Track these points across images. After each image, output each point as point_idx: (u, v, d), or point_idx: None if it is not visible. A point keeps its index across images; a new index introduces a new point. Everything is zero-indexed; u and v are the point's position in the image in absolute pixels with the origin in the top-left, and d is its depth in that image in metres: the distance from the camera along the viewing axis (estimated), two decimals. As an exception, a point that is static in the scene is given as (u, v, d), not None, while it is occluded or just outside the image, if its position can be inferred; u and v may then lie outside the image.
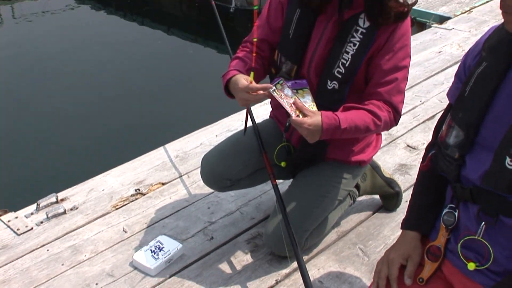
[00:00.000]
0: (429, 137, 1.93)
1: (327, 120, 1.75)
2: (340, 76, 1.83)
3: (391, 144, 3.02)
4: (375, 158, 2.51)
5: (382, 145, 2.95)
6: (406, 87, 1.95)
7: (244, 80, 1.83)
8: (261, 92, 1.78)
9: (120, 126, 5.04)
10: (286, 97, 1.78)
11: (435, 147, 1.52)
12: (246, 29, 8.09)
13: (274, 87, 1.80)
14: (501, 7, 1.21)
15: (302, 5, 1.88)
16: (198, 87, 5.88)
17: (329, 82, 1.85)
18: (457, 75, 1.49)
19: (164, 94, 5.71)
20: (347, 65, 1.82)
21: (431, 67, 4.07)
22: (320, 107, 1.82)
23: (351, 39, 1.81)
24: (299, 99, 1.80)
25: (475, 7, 5.54)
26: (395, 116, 1.89)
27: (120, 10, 8.49)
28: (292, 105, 1.76)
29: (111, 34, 7.51)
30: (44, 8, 8.53)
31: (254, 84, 1.81)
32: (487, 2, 5.59)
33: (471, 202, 1.39)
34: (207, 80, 6.04)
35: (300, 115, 1.75)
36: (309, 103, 1.80)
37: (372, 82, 1.86)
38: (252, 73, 1.87)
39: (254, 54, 1.90)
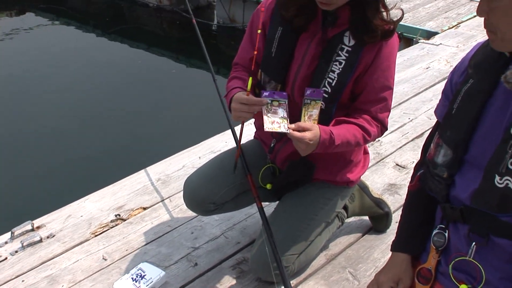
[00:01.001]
0: (418, 156, 1.96)
1: (324, 135, 1.79)
2: (326, 96, 1.86)
3: (379, 163, 3.05)
4: (363, 178, 2.53)
5: (370, 164, 2.99)
6: (394, 104, 2.00)
7: (243, 94, 1.85)
8: (261, 100, 1.80)
9: (99, 149, 5.03)
10: (276, 115, 1.80)
11: (424, 166, 1.54)
12: (229, 46, 8.18)
13: (269, 101, 1.82)
14: (485, 26, 1.24)
15: (284, 23, 1.91)
16: (180, 107, 5.91)
17: (315, 101, 1.89)
18: (444, 92, 1.51)
19: (145, 115, 5.72)
20: (333, 84, 1.85)
21: (419, 83, 4.13)
22: None
23: (337, 58, 1.84)
24: (307, 111, 1.84)
25: (462, 21, 5.64)
26: (382, 130, 1.97)
27: (98, 28, 8.51)
28: (284, 120, 1.77)
29: (89, 53, 7.51)
30: (18, 26, 8.53)
31: (252, 97, 1.83)
32: (475, 16, 5.68)
33: (461, 222, 1.40)
34: (190, 100, 6.07)
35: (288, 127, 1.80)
36: (314, 116, 1.84)
37: (360, 99, 1.90)
38: (250, 79, 1.88)
39: (255, 52, 1.91)
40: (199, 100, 5.92)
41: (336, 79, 1.84)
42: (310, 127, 1.77)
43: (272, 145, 2.06)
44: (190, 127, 5.34)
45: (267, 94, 1.83)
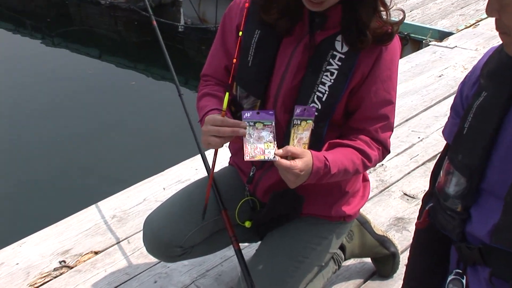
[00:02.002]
0: (428, 184, 1.98)
1: (318, 164, 1.79)
2: (316, 113, 1.87)
3: (383, 192, 3.09)
4: (363, 211, 2.55)
5: (371, 194, 3.02)
6: (400, 121, 2.03)
7: (218, 115, 1.87)
8: (237, 130, 1.80)
9: (39, 180, 5.01)
10: (260, 140, 1.80)
11: (433, 198, 1.56)
12: (199, 52, 8.20)
13: (251, 125, 1.83)
14: (497, 27, 1.27)
15: (263, 26, 1.92)
16: (140, 127, 5.93)
17: (302, 121, 1.91)
18: (453, 108, 1.53)
19: (96, 138, 5.72)
20: (324, 99, 1.86)
21: (431, 95, 4.18)
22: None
23: (328, 67, 1.85)
24: (296, 134, 1.85)
25: (482, 19, 5.71)
26: (384, 153, 1.98)
27: (37, 30, 8.52)
28: (269, 145, 1.78)
29: (25, 62, 7.48)
30: None
31: (227, 119, 1.82)
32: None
33: (481, 265, 1.42)
34: (152, 118, 6.08)
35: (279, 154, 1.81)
36: (304, 140, 1.85)
37: (356, 117, 1.92)
38: (227, 95, 1.87)
39: (234, 60, 1.92)
40: (164, 118, 5.94)
41: (327, 92, 1.86)
42: (301, 153, 1.77)
43: (251, 173, 2.07)
44: (152, 152, 5.36)
45: (248, 115, 1.82)
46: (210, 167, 2.09)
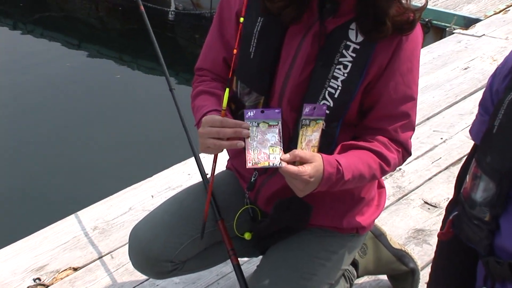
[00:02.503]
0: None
1: (329, 169, 1.79)
2: (328, 111, 1.86)
3: (401, 200, 3.09)
4: (378, 221, 2.55)
5: (388, 202, 3.02)
6: (421, 119, 2.03)
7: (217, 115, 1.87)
8: (240, 130, 1.80)
9: (10, 187, 5.00)
10: (265, 143, 1.79)
11: (458, 206, 1.56)
12: (192, 41, 8.20)
13: (255, 125, 1.81)
14: None
15: (266, 12, 1.91)
16: (126, 127, 5.94)
17: (312, 120, 1.90)
18: (481, 104, 1.53)
19: (76, 139, 5.72)
20: (336, 95, 1.86)
21: (455, 90, 4.18)
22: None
23: (340, 59, 1.84)
24: (304, 137, 1.85)
25: (513, 4, 5.72)
26: (404, 156, 1.98)
27: (9, 17, 8.52)
28: (275, 149, 1.77)
29: (-4, 52, 7.50)
30: None
31: (227, 119, 1.82)
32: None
33: (511, 282, 1.43)
34: (139, 116, 6.07)
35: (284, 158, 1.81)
36: (313, 142, 1.85)
37: (373, 115, 1.92)
38: (227, 91, 1.87)
39: (234, 51, 1.92)
40: (152, 116, 5.95)
41: (340, 88, 1.85)
42: (310, 157, 1.76)
43: (252, 179, 2.06)
44: (139, 154, 5.37)
45: (252, 114, 1.82)
46: (206, 171, 2.09)
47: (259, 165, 1.76)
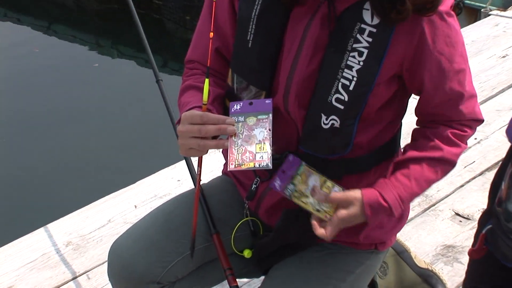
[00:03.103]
0: (488, 200, 1.99)
1: (371, 213, 1.85)
2: (342, 106, 1.87)
3: (428, 212, 3.10)
4: (401, 236, 2.56)
5: (412, 213, 3.05)
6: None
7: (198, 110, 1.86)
8: (224, 127, 1.79)
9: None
10: (251, 141, 1.79)
11: (493, 218, 1.56)
12: (182, 24, 8.17)
13: (240, 121, 1.80)
14: None
15: None
16: (105, 124, 5.96)
17: (324, 117, 1.89)
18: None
19: (46, 138, 5.74)
20: (351, 87, 1.85)
21: (491, 81, 4.18)
22: (311, 161, 1.90)
23: (355, 45, 1.83)
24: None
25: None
26: (476, 127, 2.01)
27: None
28: (262, 147, 1.76)
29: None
30: None
31: (209, 114, 1.79)
32: None
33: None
34: (120, 112, 6.08)
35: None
36: (316, 183, 1.88)
37: (425, 101, 1.94)
38: (206, 82, 1.83)
39: (211, 34, 1.91)
40: (136, 112, 5.97)
41: (355, 79, 1.84)
42: (345, 200, 1.84)
43: (253, 186, 2.07)
44: (120, 158, 5.39)
45: (238, 107, 1.84)
46: (197, 179, 2.09)
47: (243, 167, 1.75)
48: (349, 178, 1.95)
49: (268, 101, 1.84)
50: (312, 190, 1.84)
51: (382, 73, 1.85)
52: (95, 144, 5.62)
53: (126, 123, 5.88)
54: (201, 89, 1.93)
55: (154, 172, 3.37)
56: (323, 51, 1.86)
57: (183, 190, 2.36)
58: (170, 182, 3.28)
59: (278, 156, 1.90)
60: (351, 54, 1.84)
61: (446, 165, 1.93)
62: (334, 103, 1.87)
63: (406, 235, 2.89)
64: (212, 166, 3.19)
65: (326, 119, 1.89)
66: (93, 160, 5.39)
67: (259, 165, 1.74)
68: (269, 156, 1.75)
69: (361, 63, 1.83)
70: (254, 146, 1.77)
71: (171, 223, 2.15)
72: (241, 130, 1.79)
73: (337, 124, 1.88)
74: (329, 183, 1.83)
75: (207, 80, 1.84)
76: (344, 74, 1.85)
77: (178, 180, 3.27)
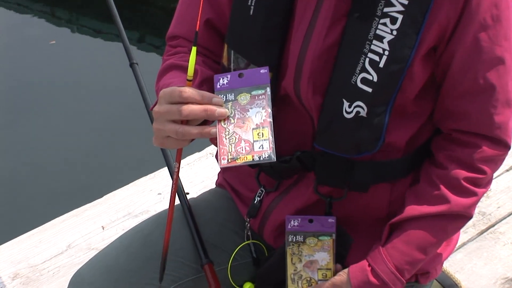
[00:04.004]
0: None
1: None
2: (370, 89, 1.85)
3: (485, 235, 3.11)
4: (450, 265, 2.55)
5: (464, 237, 3.04)
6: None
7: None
8: (212, 109, 1.73)
9: None
10: (246, 125, 1.73)
11: None
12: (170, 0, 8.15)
13: (230, 100, 1.74)
14: None
15: None
16: (63, 122, 5.97)
17: (346, 104, 1.88)
18: None
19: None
20: (382, 64, 1.83)
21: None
22: (329, 162, 1.90)
23: (385, 10, 1.81)
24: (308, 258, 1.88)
25: None
26: (504, 154, 1.96)
27: None
28: (261, 133, 1.71)
29: None
30: None
31: (192, 90, 1.72)
32: None
33: None
34: (83, 104, 6.09)
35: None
36: (321, 263, 1.90)
37: (447, 92, 1.90)
38: (193, 50, 1.78)
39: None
40: (103, 105, 5.97)
41: (387, 53, 1.83)
42: (331, 286, 1.87)
43: (256, 200, 2.08)
44: (83, 165, 5.38)
45: (225, 82, 1.76)
46: (186, 189, 2.09)
47: (239, 162, 1.68)
48: (378, 188, 1.95)
49: (263, 70, 1.77)
50: (311, 262, 1.85)
51: (421, 45, 1.82)
52: (50, 147, 5.61)
53: (91, 119, 5.88)
54: (187, 69, 1.87)
55: (128, 183, 3.36)
56: (344, 19, 1.84)
57: (165, 206, 2.35)
58: (148, 196, 3.27)
59: (288, 158, 1.90)
60: (381, 21, 1.81)
61: (456, 220, 1.93)
62: (359, 85, 1.84)
63: (457, 265, 2.88)
64: (203, 175, 3.20)
65: (349, 106, 1.86)
66: (48, 168, 5.39)
67: (259, 157, 1.68)
68: (271, 145, 1.69)
69: (395, 33, 1.80)
70: (251, 133, 1.71)
71: (149, 248, 2.14)
72: (232, 113, 1.73)
73: (363, 113, 1.85)
74: (330, 274, 1.84)
75: (194, 49, 1.75)
76: (373, 47, 1.82)
77: (159, 194, 3.27)
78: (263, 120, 1.71)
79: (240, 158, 1.67)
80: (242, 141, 1.69)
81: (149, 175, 3.39)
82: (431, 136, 1.99)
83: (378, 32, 1.81)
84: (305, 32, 1.87)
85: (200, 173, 3.17)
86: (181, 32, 2.10)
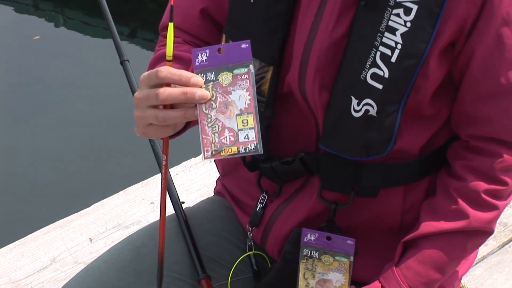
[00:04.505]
0: None
1: None
2: (380, 85, 1.86)
3: (508, 247, 3.11)
4: (469, 281, 2.56)
5: (484, 250, 3.04)
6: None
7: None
8: (192, 92, 1.69)
9: None
10: (229, 110, 1.69)
11: None
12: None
13: (211, 79, 1.67)
14: None
15: None
16: (49, 125, 5.96)
17: (355, 102, 1.89)
18: None
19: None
20: (395, 59, 1.84)
21: None
22: (335, 165, 1.90)
23: (399, 0, 1.81)
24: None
25: None
26: None
27: None
28: (246, 119, 1.67)
29: None
30: None
31: (172, 69, 1.67)
32: None
33: None
34: (70, 106, 6.08)
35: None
36: (336, 284, 1.91)
37: (465, 94, 1.90)
38: (170, 26, 1.70)
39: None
40: (91, 107, 5.96)
41: (400, 47, 1.83)
42: None
43: (258, 207, 2.09)
44: (69, 171, 5.37)
45: (204, 58, 1.67)
46: (182, 198, 2.08)
47: (223, 155, 1.64)
48: (389, 194, 1.94)
49: (244, 44, 1.69)
50: (324, 281, 1.86)
51: (437, 40, 1.82)
52: (32, 153, 5.62)
53: (77, 121, 5.88)
54: (179, 59, 1.92)
55: (118, 191, 3.37)
56: (353, 8, 1.84)
57: (158, 216, 2.36)
58: (140, 206, 3.27)
59: (290, 159, 1.91)
60: (394, 11, 1.81)
61: (475, 236, 1.93)
62: (369, 81, 1.85)
63: (476, 280, 2.88)
64: (200, 182, 3.20)
65: (358, 104, 1.86)
66: (30, 175, 5.39)
67: (245, 149, 1.64)
68: (257, 135, 1.64)
69: (408, 25, 1.80)
70: (235, 120, 1.66)
71: (142, 261, 2.14)
72: (213, 95, 1.67)
73: (373, 111, 1.85)
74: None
75: (171, 25, 1.71)
76: (384, 39, 1.82)
77: (152, 203, 3.27)
78: (248, 105, 1.66)
79: (224, 150, 1.64)
80: (226, 129, 1.65)
81: (141, 182, 3.39)
82: (448, 140, 1.98)
83: (390, 23, 1.81)
84: (312, 22, 1.88)
85: (196, 180, 3.17)
86: (176, 23, 2.10)
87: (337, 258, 1.85)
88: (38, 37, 7.16)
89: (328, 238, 1.85)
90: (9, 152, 5.59)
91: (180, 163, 3.23)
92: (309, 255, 1.82)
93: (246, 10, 1.96)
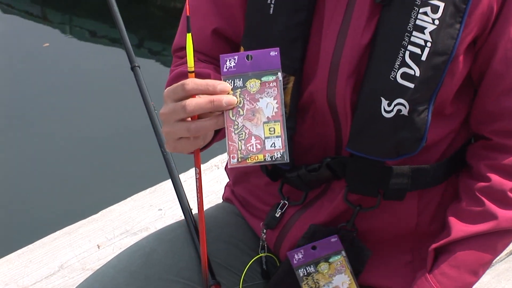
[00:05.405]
0: None
1: None
2: (411, 84, 1.85)
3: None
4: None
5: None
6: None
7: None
8: (219, 100, 1.68)
9: None
10: (256, 118, 1.68)
11: None
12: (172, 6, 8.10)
13: (239, 87, 1.67)
14: None
15: None
16: (57, 129, 5.98)
17: (385, 102, 1.88)
18: None
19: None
20: (425, 57, 1.83)
21: None
22: (362, 168, 1.90)
23: None
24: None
25: None
26: None
27: None
28: (273, 128, 1.66)
29: None
30: None
31: (198, 80, 1.66)
32: None
33: None
34: (79, 112, 6.08)
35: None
36: (347, 282, 1.90)
37: (486, 90, 1.91)
38: (189, 36, 1.69)
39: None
40: (100, 112, 5.96)
41: (429, 44, 1.83)
42: None
43: (278, 212, 2.07)
44: (77, 177, 5.38)
45: (233, 65, 1.67)
46: (191, 204, 2.07)
47: (249, 162, 1.63)
48: (407, 198, 1.93)
49: (273, 52, 1.67)
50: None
51: (464, 36, 1.83)
52: (41, 159, 5.64)
53: (86, 127, 5.88)
54: (201, 77, 1.81)
55: (126, 198, 3.36)
56: (379, 10, 1.85)
57: (167, 223, 2.36)
58: (148, 212, 3.27)
59: (317, 166, 1.90)
60: (421, 10, 1.81)
61: (506, 236, 1.93)
62: (400, 80, 1.84)
63: (488, 286, 2.87)
64: (208, 189, 3.19)
65: (389, 105, 1.86)
66: (39, 181, 5.40)
67: (272, 157, 1.63)
68: (283, 143, 1.63)
69: (436, 22, 1.81)
70: (262, 127, 1.66)
71: (152, 267, 2.13)
72: (241, 102, 1.66)
73: (405, 111, 1.85)
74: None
75: (189, 35, 1.71)
76: (413, 39, 1.82)
77: (160, 210, 3.26)
78: (275, 113, 1.65)
79: (250, 157, 1.63)
80: (253, 137, 1.64)
81: (149, 189, 3.39)
82: (465, 144, 2.00)
83: (418, 22, 1.82)
84: (338, 30, 1.87)
85: (204, 187, 3.15)
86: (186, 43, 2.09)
87: (330, 260, 1.85)
88: (47, 44, 7.16)
89: (314, 248, 1.85)
90: (17, 158, 5.60)
91: (188, 169, 3.23)
92: (306, 273, 1.82)
93: (266, 21, 1.95)
